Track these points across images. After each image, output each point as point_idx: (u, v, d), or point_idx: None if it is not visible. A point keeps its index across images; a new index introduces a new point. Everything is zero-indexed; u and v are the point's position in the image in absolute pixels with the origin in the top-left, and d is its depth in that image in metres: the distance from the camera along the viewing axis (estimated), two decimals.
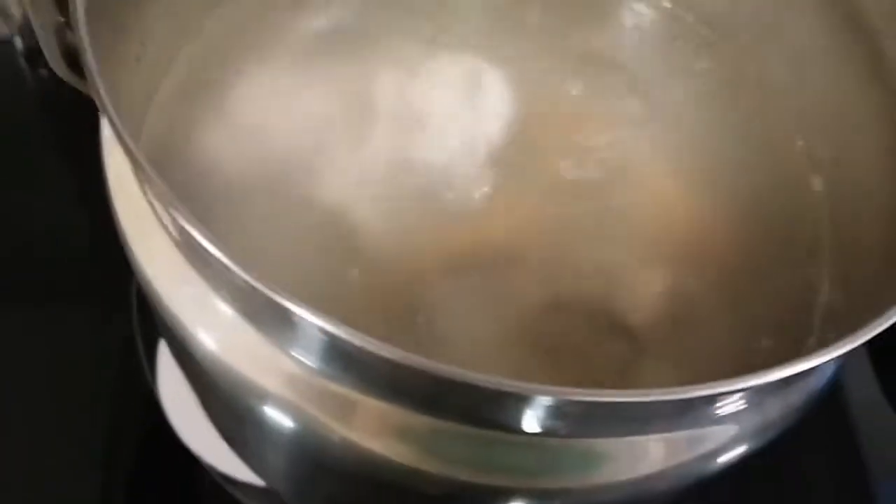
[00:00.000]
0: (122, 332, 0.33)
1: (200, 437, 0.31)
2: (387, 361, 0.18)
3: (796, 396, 0.24)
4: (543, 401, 0.19)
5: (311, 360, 0.21)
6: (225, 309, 0.22)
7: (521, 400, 0.19)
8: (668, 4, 0.34)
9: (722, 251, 0.30)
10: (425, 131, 0.30)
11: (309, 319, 0.18)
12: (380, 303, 0.27)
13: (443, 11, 0.32)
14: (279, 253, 0.28)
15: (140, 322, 0.33)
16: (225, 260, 0.18)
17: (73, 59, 0.20)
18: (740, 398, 0.22)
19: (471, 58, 0.32)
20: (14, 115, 0.38)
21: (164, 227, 0.22)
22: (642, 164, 0.31)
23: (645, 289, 0.29)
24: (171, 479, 0.32)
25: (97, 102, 0.20)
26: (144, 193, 0.22)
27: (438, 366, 0.18)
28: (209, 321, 0.22)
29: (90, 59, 0.19)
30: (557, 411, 0.19)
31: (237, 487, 0.32)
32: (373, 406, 0.21)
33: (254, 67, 0.30)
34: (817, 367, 0.19)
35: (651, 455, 0.22)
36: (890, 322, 0.20)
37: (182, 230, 0.19)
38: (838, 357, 0.19)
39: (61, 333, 0.34)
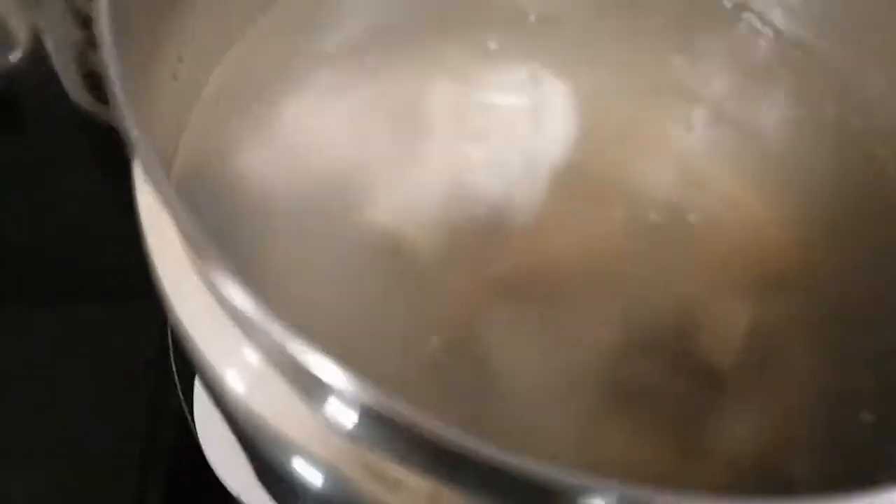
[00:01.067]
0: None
1: (235, 472, 0.29)
2: (433, 438, 0.15)
3: None
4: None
5: (345, 421, 0.19)
6: (255, 356, 0.20)
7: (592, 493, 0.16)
8: (773, 33, 0.31)
9: (815, 285, 0.26)
10: (480, 147, 0.28)
11: (347, 387, 0.16)
12: (428, 332, 0.25)
13: (502, 18, 0.30)
14: (320, 275, 0.25)
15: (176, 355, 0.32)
16: (268, 325, 0.16)
17: (96, 82, 0.18)
18: None
19: (531, 69, 0.29)
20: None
21: (195, 272, 0.19)
22: (723, 183, 0.28)
23: (727, 324, 0.26)
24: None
25: (125, 137, 0.17)
26: (181, 241, 0.19)
27: (493, 451, 0.15)
28: (239, 365, 0.20)
29: (117, 85, 0.16)
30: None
31: None
32: (413, 478, 0.18)
33: (297, 79, 0.28)
34: None
35: None
36: None
37: (219, 293, 0.17)
38: None
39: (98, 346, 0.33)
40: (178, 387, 0.30)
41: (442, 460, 0.17)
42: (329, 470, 0.20)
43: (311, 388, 0.19)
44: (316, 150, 0.28)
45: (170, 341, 0.31)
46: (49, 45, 0.17)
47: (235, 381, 0.20)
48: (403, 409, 0.16)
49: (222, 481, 0.29)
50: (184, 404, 0.30)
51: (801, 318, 0.26)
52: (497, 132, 0.28)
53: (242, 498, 0.29)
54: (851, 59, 0.29)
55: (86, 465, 0.31)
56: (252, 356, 0.20)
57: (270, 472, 0.26)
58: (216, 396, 0.22)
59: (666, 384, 0.25)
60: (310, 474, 0.20)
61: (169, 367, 0.31)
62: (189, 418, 0.30)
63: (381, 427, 0.18)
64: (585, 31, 0.30)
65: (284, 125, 0.28)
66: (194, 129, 0.25)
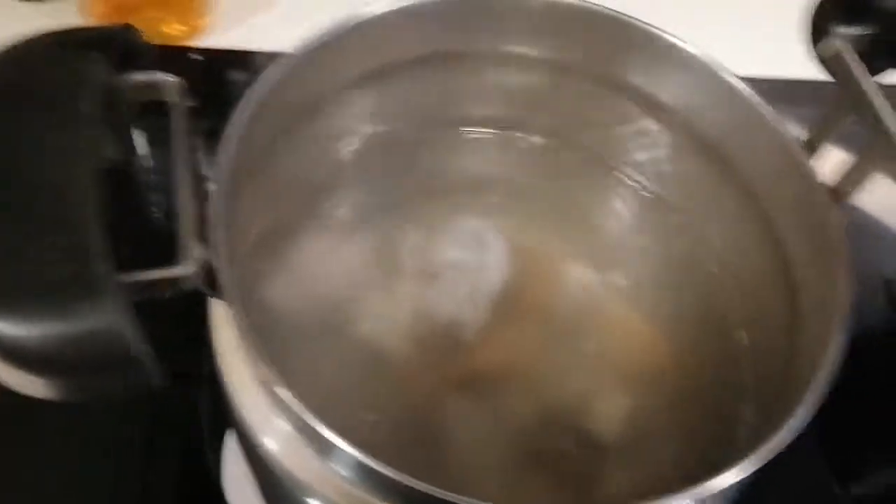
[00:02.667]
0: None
1: None
2: (404, 486, 0.25)
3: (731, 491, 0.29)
4: None
5: (348, 474, 0.27)
6: (289, 429, 0.28)
7: None
8: (646, 194, 0.41)
9: (671, 381, 0.36)
10: (438, 281, 0.37)
11: (352, 454, 0.25)
12: (402, 416, 0.34)
13: (455, 192, 0.41)
14: (325, 373, 0.34)
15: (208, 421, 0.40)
16: (304, 416, 0.25)
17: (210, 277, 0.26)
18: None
19: (476, 223, 0.39)
20: None
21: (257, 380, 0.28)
22: (611, 312, 0.38)
23: (611, 409, 0.36)
24: None
25: (232, 314, 0.26)
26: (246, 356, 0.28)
27: (442, 492, 0.24)
28: (277, 436, 0.29)
29: (228, 284, 0.26)
30: None
31: None
32: None
33: (308, 232, 0.38)
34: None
35: None
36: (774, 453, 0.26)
37: (274, 392, 0.26)
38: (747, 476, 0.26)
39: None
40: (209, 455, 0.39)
41: (405, 497, 0.26)
42: None
43: (323, 449, 0.27)
44: (320, 280, 0.37)
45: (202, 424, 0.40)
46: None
47: (271, 444, 0.29)
48: (379, 466, 0.25)
49: None
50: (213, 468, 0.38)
51: (660, 405, 0.35)
52: (450, 270, 0.38)
53: None
54: (701, 216, 0.39)
55: None
56: (283, 427, 0.28)
57: None
58: (254, 456, 0.30)
59: (567, 452, 0.34)
60: None
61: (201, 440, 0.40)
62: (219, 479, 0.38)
63: (366, 475, 0.26)
64: (517, 201, 0.41)
65: (299, 263, 0.37)
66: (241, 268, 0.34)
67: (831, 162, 0.33)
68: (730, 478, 0.26)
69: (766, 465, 0.27)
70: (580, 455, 0.35)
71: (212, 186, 0.28)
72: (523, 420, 0.35)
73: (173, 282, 0.24)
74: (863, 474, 0.44)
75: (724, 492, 0.26)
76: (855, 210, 0.51)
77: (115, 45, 0.27)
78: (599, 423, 0.35)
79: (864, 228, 0.51)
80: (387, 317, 0.36)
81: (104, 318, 0.22)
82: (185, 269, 0.25)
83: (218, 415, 0.39)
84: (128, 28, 0.28)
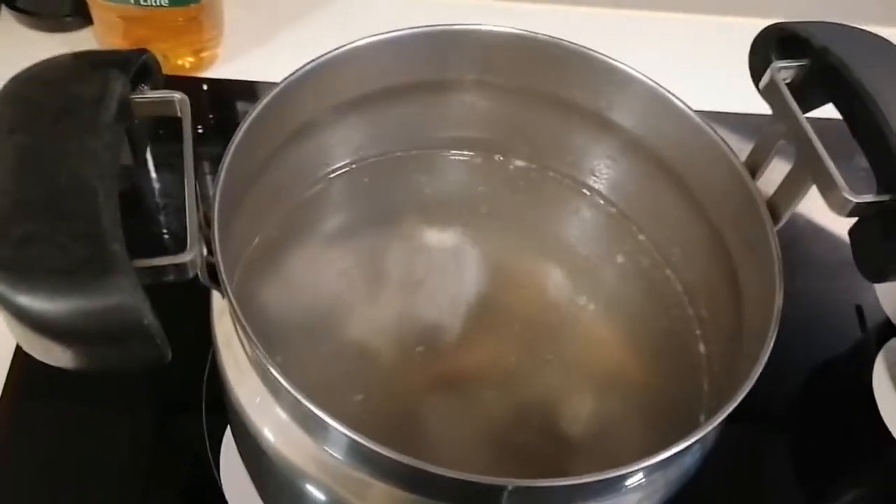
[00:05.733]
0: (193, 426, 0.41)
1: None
2: (395, 462, 0.26)
3: (675, 471, 0.31)
4: (502, 489, 0.27)
5: (339, 454, 0.29)
6: (283, 416, 0.30)
7: (486, 489, 0.27)
8: (614, 212, 0.44)
9: (635, 387, 0.38)
10: (421, 288, 0.39)
11: (343, 431, 0.27)
12: (387, 412, 0.36)
13: (438, 208, 0.43)
14: (318, 371, 0.36)
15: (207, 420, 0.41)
16: (296, 394, 0.27)
17: (213, 272, 0.29)
18: (639, 476, 0.29)
19: (457, 237, 0.42)
20: None
21: (252, 366, 0.30)
22: (580, 321, 0.40)
23: (578, 410, 0.37)
24: None
25: (229, 305, 0.29)
26: (242, 347, 0.30)
27: (429, 466, 0.26)
28: (272, 423, 0.30)
29: (224, 276, 0.28)
30: (511, 496, 0.27)
31: None
32: (382, 488, 0.28)
33: (304, 243, 0.40)
34: (679, 453, 0.28)
35: None
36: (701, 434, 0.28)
37: (268, 374, 0.28)
38: (686, 448, 0.28)
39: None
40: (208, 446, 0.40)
41: (394, 473, 0.28)
42: (327, 487, 0.29)
43: (317, 432, 0.29)
44: (314, 286, 0.39)
45: (203, 416, 0.41)
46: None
47: (269, 434, 0.30)
48: (371, 443, 0.26)
49: None
50: (211, 459, 0.40)
51: (623, 405, 0.37)
52: (433, 278, 0.40)
53: None
54: (662, 233, 0.42)
55: None
56: (280, 416, 0.30)
57: (282, 501, 0.36)
58: (252, 447, 0.31)
59: (537, 446, 0.36)
60: (315, 493, 0.30)
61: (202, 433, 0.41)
62: (215, 470, 0.39)
63: (358, 454, 0.28)
64: (495, 218, 0.42)
65: (295, 269, 0.39)
66: (236, 279, 0.36)
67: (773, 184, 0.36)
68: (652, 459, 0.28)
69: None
70: (549, 449, 0.36)
71: (215, 193, 0.30)
72: (497, 415, 0.37)
73: (178, 267, 0.26)
74: (833, 493, 0.45)
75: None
76: (829, 241, 0.54)
77: (133, 66, 0.30)
78: (567, 423, 0.37)
79: (837, 259, 0.54)
80: (373, 322, 0.38)
81: (120, 293, 0.24)
82: (188, 256, 0.27)
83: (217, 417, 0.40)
84: (144, 52, 0.31)
